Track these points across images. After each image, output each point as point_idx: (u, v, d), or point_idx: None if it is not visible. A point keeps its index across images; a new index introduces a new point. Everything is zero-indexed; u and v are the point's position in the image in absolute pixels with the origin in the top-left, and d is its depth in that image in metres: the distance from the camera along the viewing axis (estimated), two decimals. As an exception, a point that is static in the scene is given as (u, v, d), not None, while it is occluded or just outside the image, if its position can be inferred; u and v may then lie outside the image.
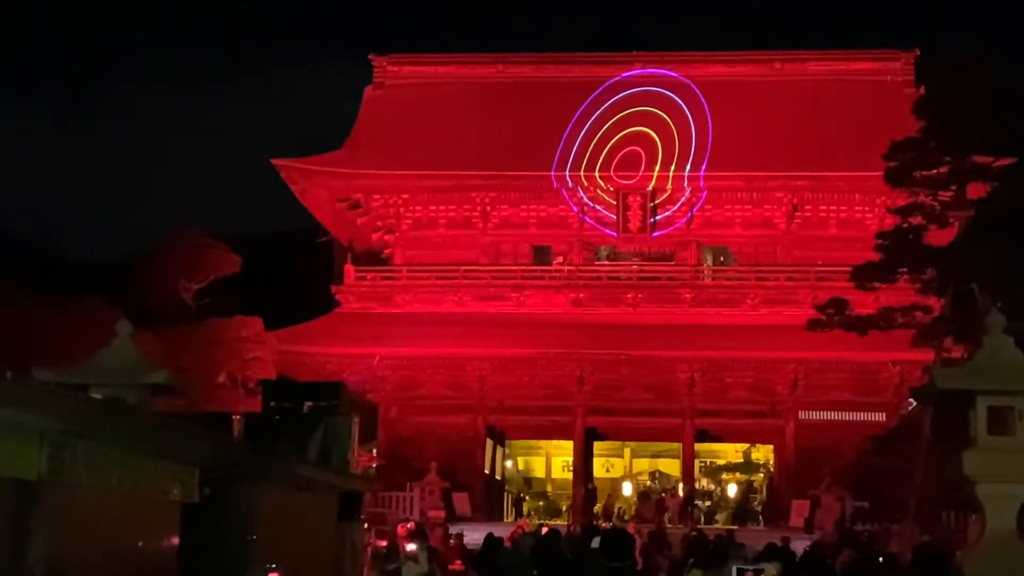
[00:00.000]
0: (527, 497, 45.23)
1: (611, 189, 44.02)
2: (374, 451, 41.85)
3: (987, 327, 10.69)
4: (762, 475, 44.89)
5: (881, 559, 18.41)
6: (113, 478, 6.24)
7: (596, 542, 14.34)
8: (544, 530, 22.00)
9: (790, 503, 39.46)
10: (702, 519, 40.97)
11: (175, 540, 7.52)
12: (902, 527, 30.41)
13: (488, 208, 45.68)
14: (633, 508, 42.52)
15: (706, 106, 45.39)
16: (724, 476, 45.99)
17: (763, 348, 39.67)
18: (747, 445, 45.21)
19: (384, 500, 36.27)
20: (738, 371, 41.56)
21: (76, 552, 5.97)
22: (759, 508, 43.24)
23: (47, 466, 5.38)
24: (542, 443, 46.91)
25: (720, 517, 43.47)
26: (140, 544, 6.95)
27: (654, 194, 43.96)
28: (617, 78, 47.56)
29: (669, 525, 35.51)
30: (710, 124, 44.28)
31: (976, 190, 31.25)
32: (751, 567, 11.46)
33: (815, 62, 48.02)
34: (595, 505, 41.88)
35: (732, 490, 45.32)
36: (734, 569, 11.33)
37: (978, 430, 10.34)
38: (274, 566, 8.43)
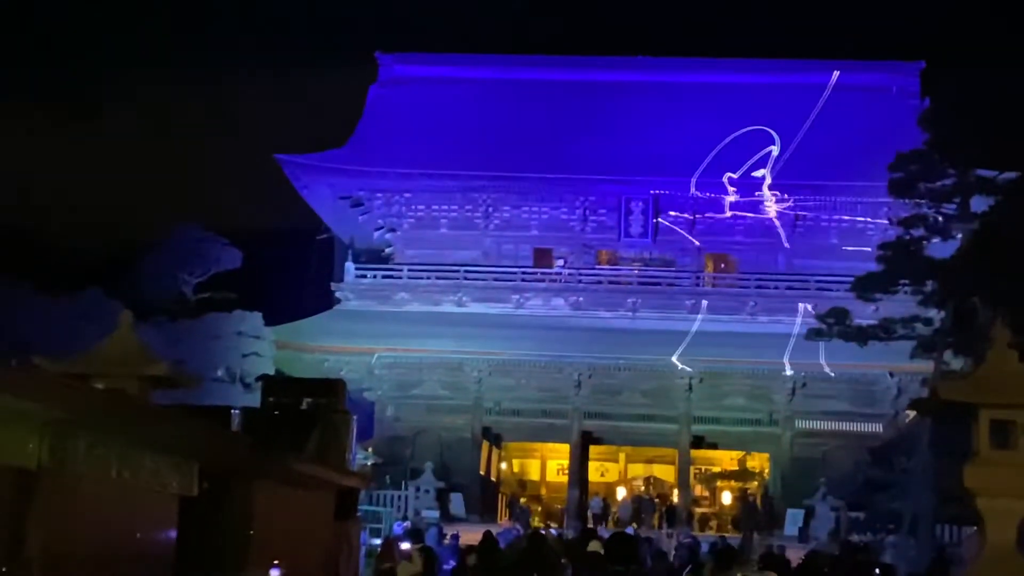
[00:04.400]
0: (522, 499, 45.14)
1: (614, 193, 44.02)
2: (370, 449, 41.80)
3: (992, 340, 10.66)
4: (757, 483, 44.79)
5: (877, 571, 18.37)
6: (113, 469, 6.20)
7: (593, 545, 14.29)
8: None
9: (785, 512, 39.40)
10: (696, 525, 40.89)
11: (173, 533, 7.48)
12: (897, 539, 30.38)
13: (490, 209, 45.66)
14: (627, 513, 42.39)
15: (710, 112, 45.46)
16: (719, 483, 45.89)
17: (762, 356, 39.62)
18: (742, 453, 45.14)
19: (380, 499, 36.22)
20: (736, 379, 41.49)
21: (74, 542, 5.94)
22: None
23: (48, 455, 5.34)
24: (538, 446, 46.84)
25: (714, 524, 43.39)
26: (138, 536, 6.90)
27: (657, 199, 44.00)
28: (621, 81, 47.64)
29: (661, 530, 35.47)
30: (713, 130, 44.31)
31: (980, 203, 31.26)
32: (751, 574, 11.43)
33: (821, 71, 48.08)
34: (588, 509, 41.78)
35: (727, 498, 45.20)
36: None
37: (980, 443, 10.30)
38: (277, 563, 8.39)
